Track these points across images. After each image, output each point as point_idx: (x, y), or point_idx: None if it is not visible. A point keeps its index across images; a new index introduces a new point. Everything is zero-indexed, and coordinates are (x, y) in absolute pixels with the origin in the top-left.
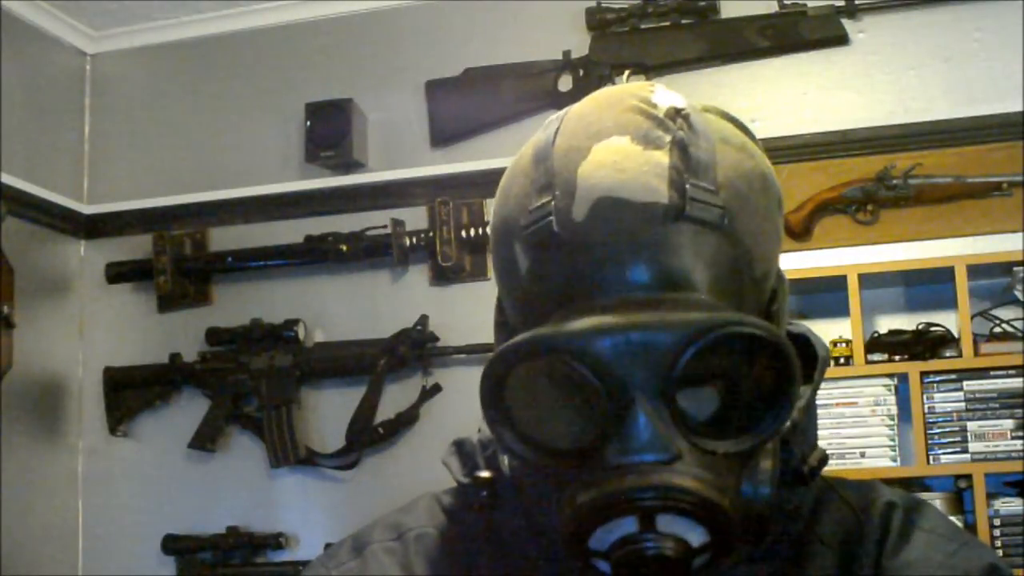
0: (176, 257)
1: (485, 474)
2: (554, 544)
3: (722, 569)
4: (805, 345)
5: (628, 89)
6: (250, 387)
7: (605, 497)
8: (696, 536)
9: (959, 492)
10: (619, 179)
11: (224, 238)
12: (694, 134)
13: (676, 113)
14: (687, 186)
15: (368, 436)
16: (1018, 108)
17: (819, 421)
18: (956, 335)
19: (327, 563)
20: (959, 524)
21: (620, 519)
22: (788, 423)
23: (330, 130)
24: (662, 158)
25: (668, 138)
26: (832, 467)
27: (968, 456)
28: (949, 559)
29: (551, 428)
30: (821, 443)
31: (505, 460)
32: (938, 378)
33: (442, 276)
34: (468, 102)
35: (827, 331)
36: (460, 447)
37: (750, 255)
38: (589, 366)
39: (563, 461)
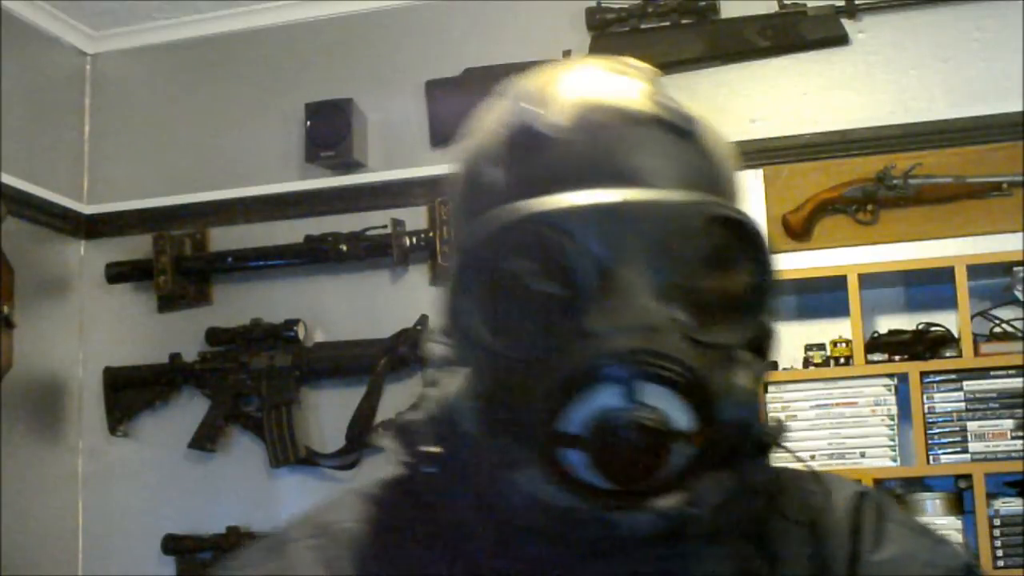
0: (176, 257)
1: (431, 448)
2: (503, 526)
3: (683, 545)
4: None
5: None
6: (250, 387)
7: (581, 363)
8: (679, 417)
9: (959, 492)
10: (599, 87)
11: (224, 238)
12: (661, 82)
13: (639, 66)
14: (660, 99)
15: (368, 436)
16: (1018, 108)
17: (819, 421)
18: (956, 335)
19: (245, 561)
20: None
21: (598, 389)
22: (768, 326)
23: (330, 130)
24: (636, 79)
25: (637, 72)
26: (832, 467)
27: (968, 456)
28: (932, 557)
29: (525, 320)
30: (821, 443)
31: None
32: (938, 378)
33: (442, 276)
34: (468, 102)
35: (827, 331)
36: (400, 428)
37: (718, 171)
38: (575, 236)
39: (537, 345)
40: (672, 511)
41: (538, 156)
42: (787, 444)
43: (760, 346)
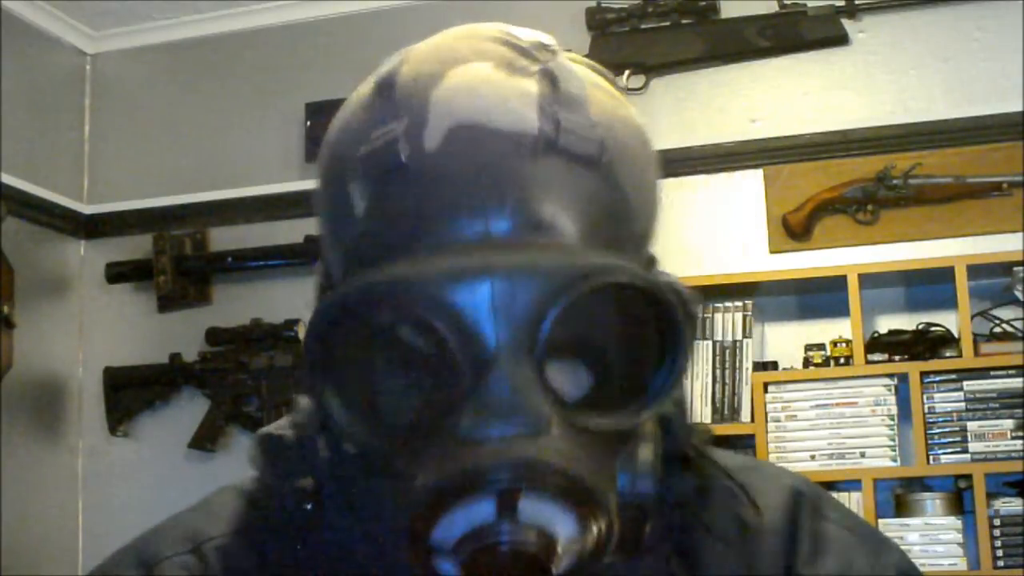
0: (176, 257)
1: (306, 482)
2: (389, 547)
3: (594, 569)
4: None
5: (483, 24)
6: (250, 387)
7: (454, 475)
8: (564, 526)
9: (959, 492)
10: (480, 104)
11: (224, 238)
12: (563, 69)
13: (542, 47)
14: (559, 116)
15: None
16: (1018, 108)
17: (819, 421)
18: (956, 335)
19: None
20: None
21: (472, 503)
22: (672, 395)
23: None
24: (529, 86)
25: (535, 68)
26: (832, 467)
27: (968, 456)
28: (872, 567)
29: (391, 400)
30: (821, 443)
31: (326, 456)
32: (938, 378)
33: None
34: None
35: (827, 331)
36: (270, 445)
37: (628, 204)
38: (441, 318)
39: (405, 438)
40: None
41: (400, 192)
42: (710, 452)
43: (668, 417)
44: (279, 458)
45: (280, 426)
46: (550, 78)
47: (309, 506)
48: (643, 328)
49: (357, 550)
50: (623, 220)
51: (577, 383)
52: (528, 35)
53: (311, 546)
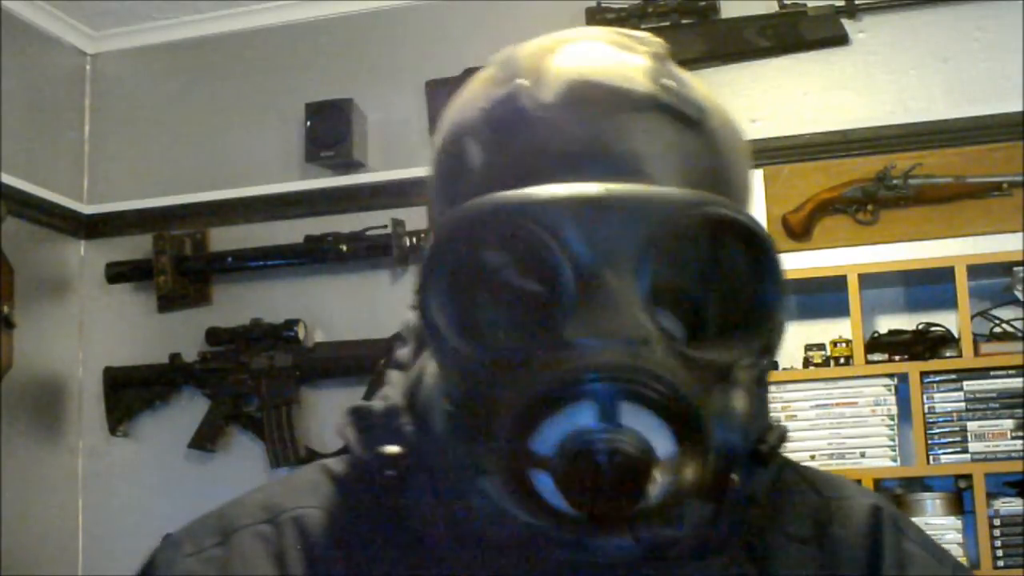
0: (176, 257)
1: (393, 449)
2: (468, 527)
3: (670, 561)
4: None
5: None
6: (250, 387)
7: (554, 380)
8: (663, 441)
9: (959, 492)
10: (594, 66)
11: (224, 238)
12: (668, 55)
13: (650, 40)
14: (665, 82)
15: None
16: (1018, 108)
17: (819, 421)
18: (956, 335)
19: (185, 545)
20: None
21: (571, 409)
22: (775, 339)
23: (330, 130)
24: (639, 59)
25: (644, 48)
26: (832, 467)
27: (968, 456)
28: None
29: (499, 321)
30: (821, 443)
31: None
32: (938, 378)
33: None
34: None
35: (827, 331)
36: (359, 416)
37: (727, 170)
38: (555, 233)
39: (508, 355)
40: (649, 536)
41: (520, 136)
42: (787, 451)
43: (763, 360)
44: (366, 426)
45: (378, 394)
46: (657, 57)
47: (392, 472)
48: (741, 270)
49: (432, 523)
50: (721, 182)
51: (676, 324)
52: (638, 33)
53: (391, 519)
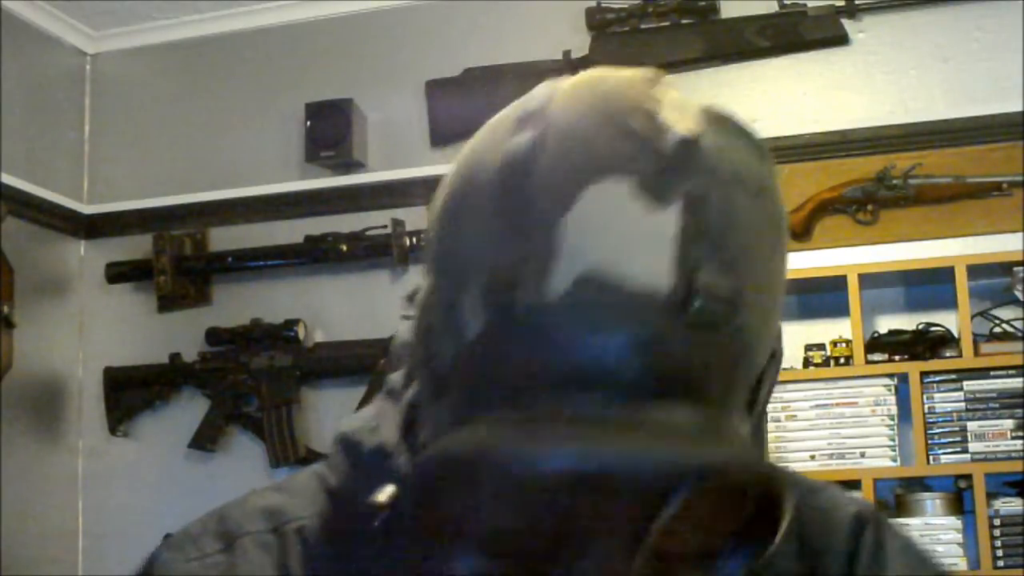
0: (176, 257)
1: (381, 498)
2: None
3: None
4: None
5: (627, 90)
6: (250, 387)
7: None
8: None
9: (959, 492)
10: (612, 250)
11: (224, 238)
12: (708, 177)
13: (687, 147)
14: (695, 272)
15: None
16: (1018, 108)
17: (819, 421)
18: (956, 335)
19: (189, 549)
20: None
21: None
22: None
23: (330, 130)
24: (668, 225)
25: (678, 189)
26: (832, 467)
27: (968, 456)
28: None
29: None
30: (821, 443)
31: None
32: (938, 378)
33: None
34: (468, 102)
35: (827, 331)
36: (351, 450)
37: (752, 349)
38: (541, 492)
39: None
40: None
41: (517, 333)
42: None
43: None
44: (357, 463)
45: (361, 424)
46: (692, 208)
47: (378, 522)
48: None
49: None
50: (743, 367)
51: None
52: (672, 117)
53: (385, 554)
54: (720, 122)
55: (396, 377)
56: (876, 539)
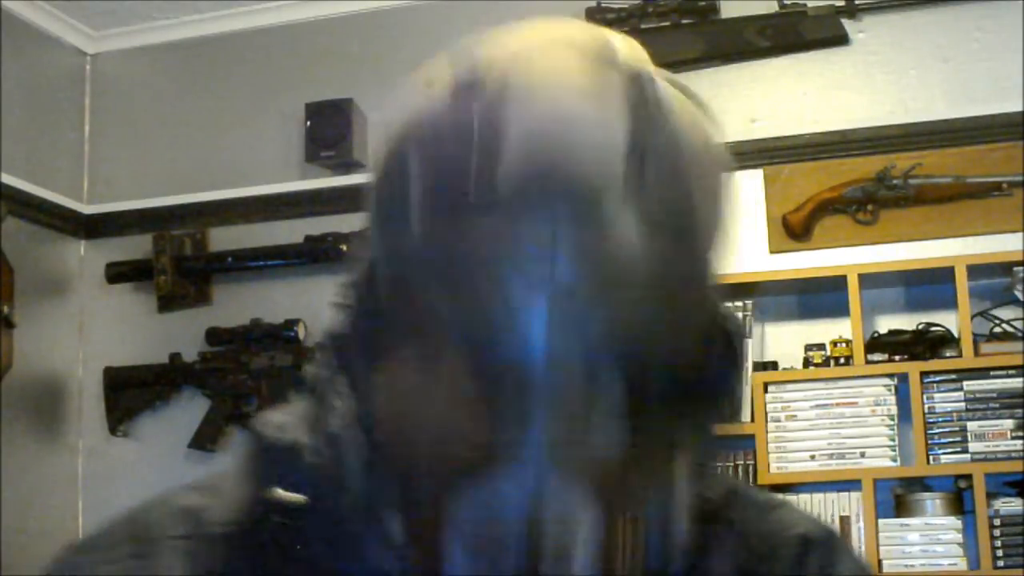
0: (176, 257)
1: (288, 497)
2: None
3: None
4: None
5: (581, 30)
6: (250, 387)
7: (485, 442)
8: (590, 517)
9: (959, 492)
10: (559, 139)
11: (224, 238)
12: (651, 79)
13: (637, 64)
14: (645, 154)
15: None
16: (1018, 108)
17: (819, 421)
18: (956, 335)
19: (100, 553)
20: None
21: (499, 474)
22: (723, 418)
23: (330, 130)
24: (615, 97)
25: (628, 98)
26: (832, 467)
27: (968, 456)
28: None
29: (416, 405)
30: (821, 443)
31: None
32: (938, 378)
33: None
34: None
35: (827, 331)
36: (262, 442)
37: (705, 241)
38: (486, 344)
39: (435, 413)
40: None
41: (465, 213)
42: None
43: (707, 428)
44: (271, 456)
45: (275, 423)
46: (639, 111)
47: (284, 520)
48: (702, 346)
49: (329, 567)
50: (698, 259)
51: (629, 380)
52: (619, 45)
53: (298, 557)
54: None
55: (314, 371)
56: (822, 564)
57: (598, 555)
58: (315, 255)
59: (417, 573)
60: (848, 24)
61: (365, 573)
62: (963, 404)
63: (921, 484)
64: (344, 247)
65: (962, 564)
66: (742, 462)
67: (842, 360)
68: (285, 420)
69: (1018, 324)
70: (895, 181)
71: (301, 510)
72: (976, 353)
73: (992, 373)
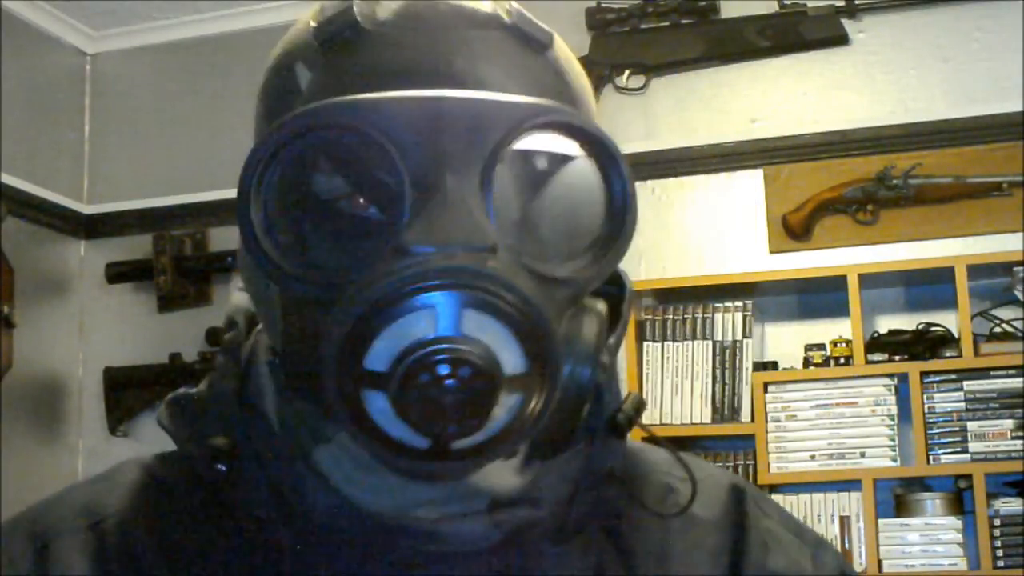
0: (176, 257)
1: (221, 440)
2: (307, 520)
3: (528, 549)
4: (616, 284)
5: None
6: None
7: (392, 285)
8: (510, 355)
9: (959, 492)
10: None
11: (224, 238)
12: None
13: None
14: (508, 5)
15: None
16: (1018, 108)
17: (819, 421)
18: (956, 335)
19: None
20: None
21: (412, 316)
22: (621, 274)
23: None
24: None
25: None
26: (832, 467)
27: (968, 456)
28: (816, 568)
29: (331, 238)
30: (821, 443)
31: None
32: (938, 378)
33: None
34: None
35: (827, 331)
36: (178, 404)
37: (575, 92)
38: (390, 137)
39: (343, 269)
40: (508, 520)
41: (354, 52)
42: (644, 423)
43: (614, 305)
44: (192, 418)
45: (190, 388)
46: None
47: (222, 466)
48: (587, 183)
49: (274, 516)
50: (568, 103)
51: (525, 234)
52: None
53: (223, 517)
54: None
55: (232, 335)
56: (759, 516)
57: (521, 407)
58: None
59: (359, 511)
60: (848, 24)
61: (303, 509)
62: (963, 404)
63: (921, 484)
64: None
65: (962, 564)
66: (742, 462)
67: (842, 360)
68: (211, 377)
69: (1018, 324)
70: (895, 181)
71: (235, 454)
72: (976, 353)
73: (992, 373)
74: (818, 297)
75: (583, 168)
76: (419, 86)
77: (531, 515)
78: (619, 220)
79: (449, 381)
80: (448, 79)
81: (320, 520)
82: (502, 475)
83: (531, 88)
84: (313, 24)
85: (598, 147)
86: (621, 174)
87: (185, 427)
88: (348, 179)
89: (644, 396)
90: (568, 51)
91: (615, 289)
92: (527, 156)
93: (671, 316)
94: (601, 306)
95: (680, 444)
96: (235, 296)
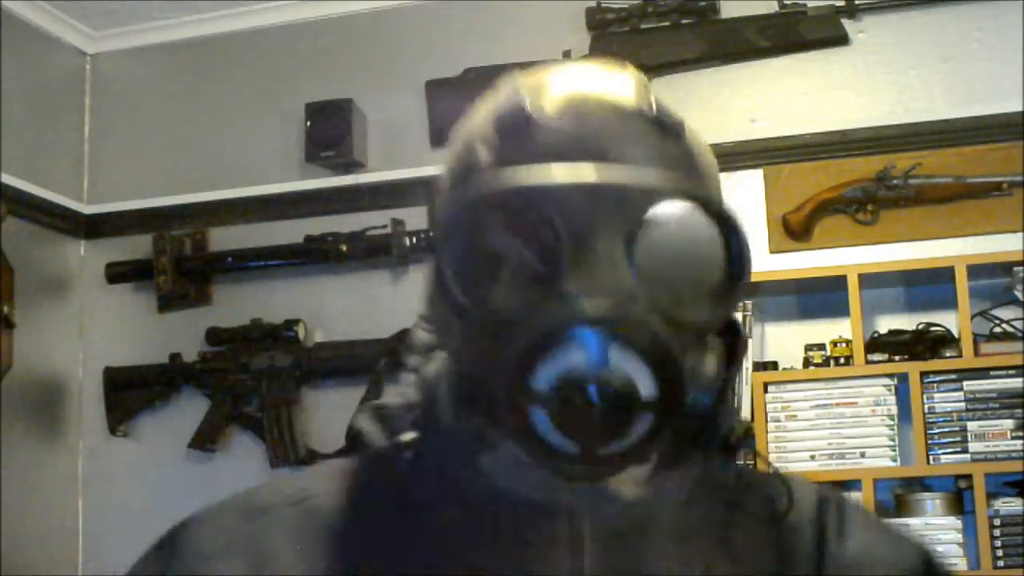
0: (176, 257)
1: (409, 435)
2: (469, 505)
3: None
4: (732, 328)
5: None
6: (250, 387)
7: (555, 321)
8: (645, 383)
9: (959, 492)
10: (588, 83)
11: (224, 238)
12: (651, 87)
13: (634, 69)
14: (652, 98)
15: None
16: (1018, 108)
17: (819, 421)
18: (956, 335)
19: (211, 520)
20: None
21: (568, 349)
22: (738, 324)
23: (330, 130)
24: (627, 81)
25: (631, 74)
26: (832, 467)
27: (968, 456)
28: (895, 552)
29: (503, 283)
30: (821, 443)
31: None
32: (938, 378)
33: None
34: (468, 102)
35: (827, 331)
36: (379, 411)
37: (705, 175)
38: (555, 206)
39: (513, 307)
40: (639, 501)
41: (524, 138)
42: (753, 446)
43: (731, 344)
44: (386, 419)
45: (387, 398)
46: (641, 82)
47: (410, 454)
48: (712, 248)
49: (439, 502)
50: (697, 177)
51: (660, 287)
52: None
53: (403, 501)
54: None
55: (415, 359)
56: (839, 513)
57: (652, 425)
58: (315, 255)
59: (510, 499)
60: (848, 24)
61: (470, 500)
62: (963, 404)
63: (921, 484)
64: (344, 247)
65: (962, 564)
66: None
67: (842, 360)
68: (401, 389)
69: (1018, 324)
70: (895, 181)
71: (419, 448)
72: (976, 353)
73: (992, 373)
74: (818, 297)
75: (708, 233)
76: (576, 163)
77: (656, 503)
78: (736, 275)
79: (596, 400)
80: (599, 160)
81: (480, 503)
82: (629, 485)
83: (667, 166)
84: (489, 115)
85: (721, 216)
86: (739, 239)
87: (384, 428)
88: (518, 238)
89: None
90: (697, 134)
91: (733, 331)
92: (662, 221)
93: None
94: (720, 345)
95: None
96: (417, 333)
